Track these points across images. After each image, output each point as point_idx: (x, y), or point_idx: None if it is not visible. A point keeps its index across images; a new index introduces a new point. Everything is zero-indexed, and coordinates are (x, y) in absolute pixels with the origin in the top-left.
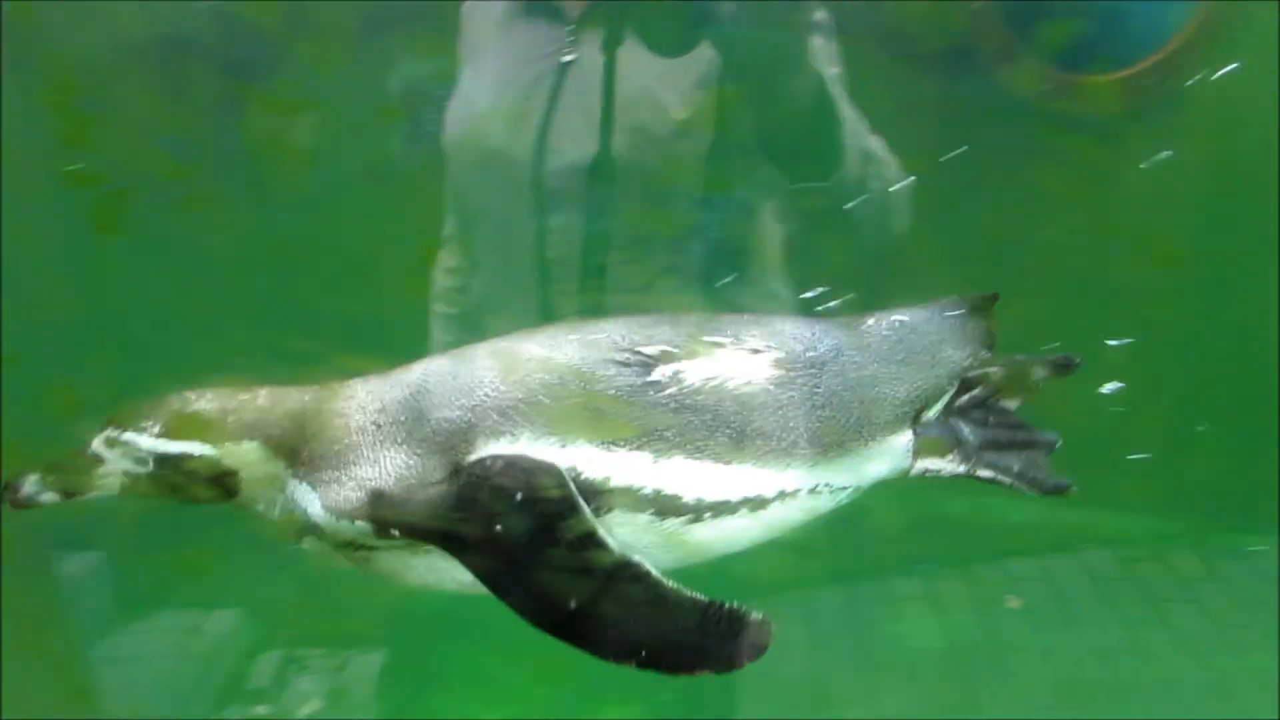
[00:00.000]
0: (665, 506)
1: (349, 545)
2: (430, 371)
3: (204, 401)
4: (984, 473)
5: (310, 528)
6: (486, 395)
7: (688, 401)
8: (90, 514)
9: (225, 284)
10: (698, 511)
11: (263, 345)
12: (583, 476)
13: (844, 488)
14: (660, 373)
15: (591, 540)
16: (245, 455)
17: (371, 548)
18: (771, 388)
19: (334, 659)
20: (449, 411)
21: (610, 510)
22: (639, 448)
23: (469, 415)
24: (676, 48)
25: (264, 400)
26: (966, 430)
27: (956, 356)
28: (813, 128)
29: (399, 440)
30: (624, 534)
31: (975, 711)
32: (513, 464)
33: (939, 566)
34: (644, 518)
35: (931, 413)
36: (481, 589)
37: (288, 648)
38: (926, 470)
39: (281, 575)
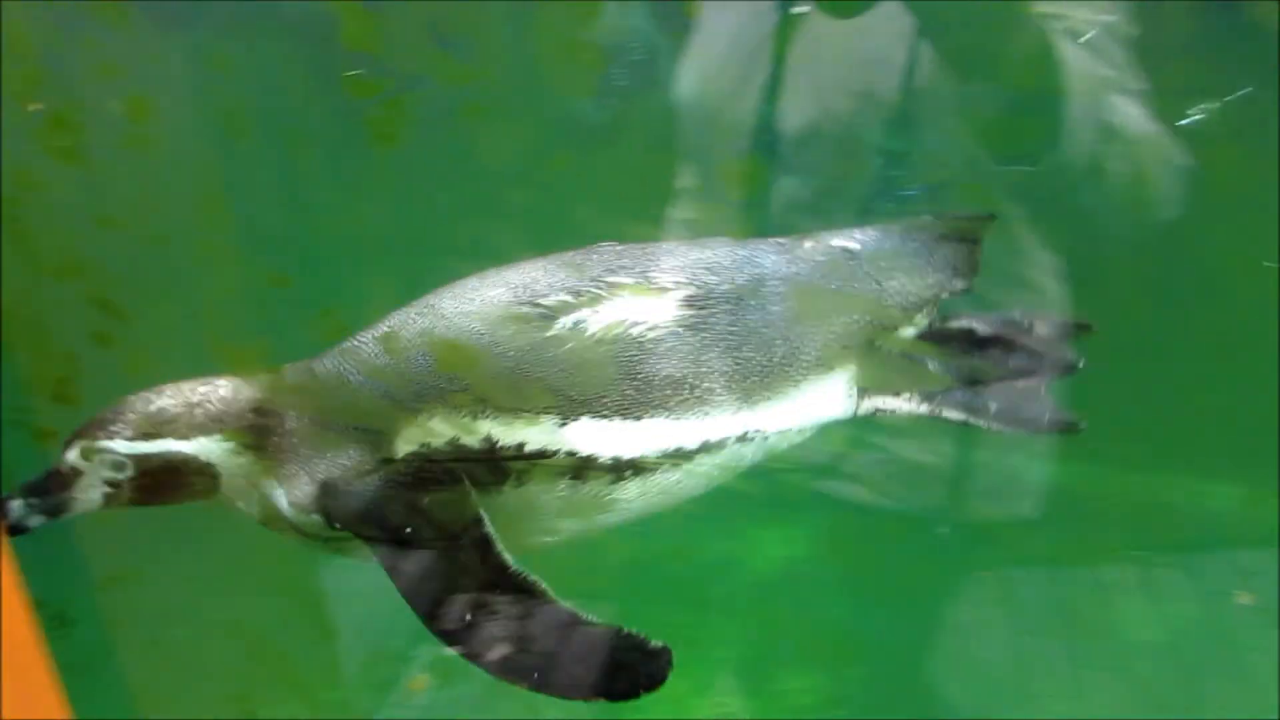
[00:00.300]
0: (581, 470)
1: (318, 538)
2: (356, 349)
3: (166, 398)
4: (951, 414)
5: (286, 522)
6: (400, 376)
7: (589, 355)
8: None
9: (491, 203)
10: (617, 471)
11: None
12: (499, 446)
13: (780, 431)
14: (559, 325)
15: (490, 555)
16: (217, 450)
17: (338, 539)
18: (680, 330)
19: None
20: (372, 397)
21: (530, 479)
22: (545, 410)
23: (389, 399)
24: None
25: (225, 391)
26: (930, 366)
27: (914, 287)
28: (1029, 102)
29: (333, 429)
30: (548, 503)
31: (1198, 713)
32: (420, 475)
33: (1156, 554)
34: (563, 484)
35: (890, 344)
36: None
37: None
38: (877, 410)
39: None
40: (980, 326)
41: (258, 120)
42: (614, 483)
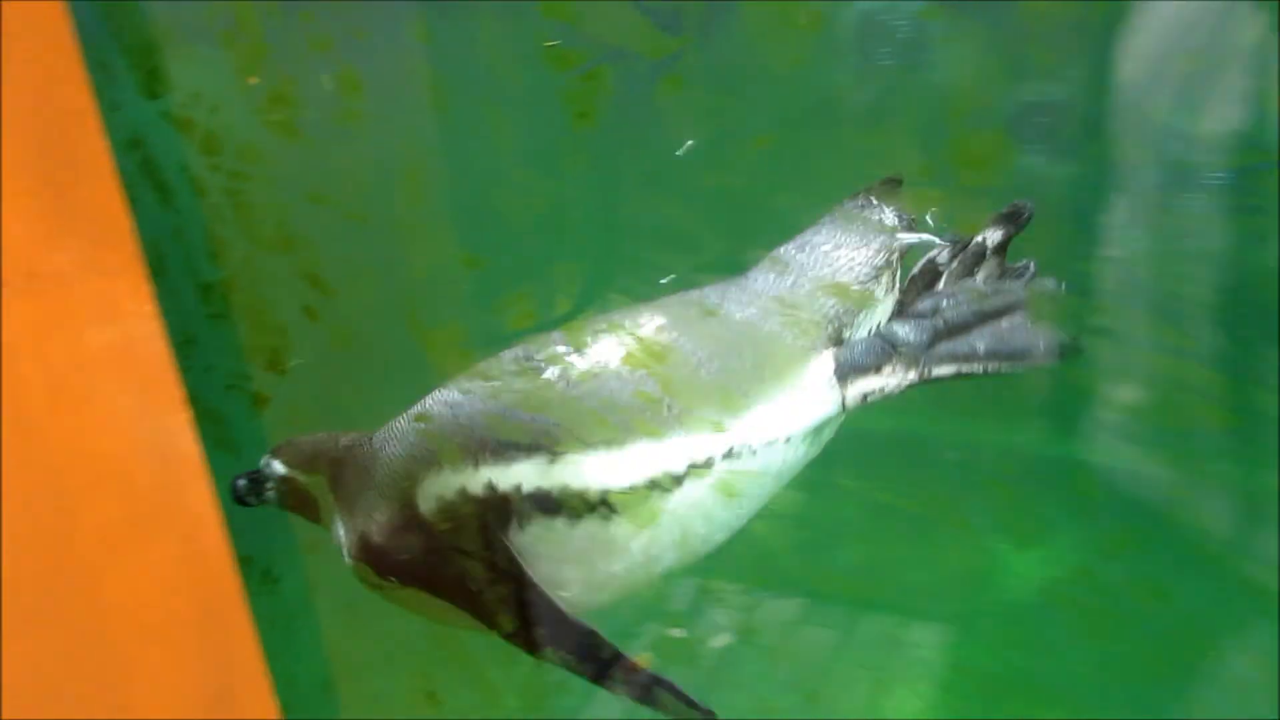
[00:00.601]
0: (574, 505)
1: (368, 583)
2: (392, 424)
3: (318, 438)
4: (941, 370)
5: (351, 564)
6: (420, 436)
7: (573, 393)
8: None
9: (689, 184)
10: (608, 505)
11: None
12: (499, 491)
13: (768, 443)
14: (550, 374)
15: (523, 582)
16: (313, 485)
17: (386, 588)
18: (650, 359)
19: (749, 598)
20: (398, 457)
21: (531, 520)
22: (535, 450)
23: (410, 459)
24: None
25: (336, 438)
26: (904, 331)
27: (861, 256)
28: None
29: (371, 485)
30: (549, 548)
31: None
32: (445, 524)
33: None
34: (560, 522)
35: (868, 321)
36: None
37: (706, 578)
38: (867, 395)
39: None
40: (942, 259)
41: (460, 95)
42: (605, 519)
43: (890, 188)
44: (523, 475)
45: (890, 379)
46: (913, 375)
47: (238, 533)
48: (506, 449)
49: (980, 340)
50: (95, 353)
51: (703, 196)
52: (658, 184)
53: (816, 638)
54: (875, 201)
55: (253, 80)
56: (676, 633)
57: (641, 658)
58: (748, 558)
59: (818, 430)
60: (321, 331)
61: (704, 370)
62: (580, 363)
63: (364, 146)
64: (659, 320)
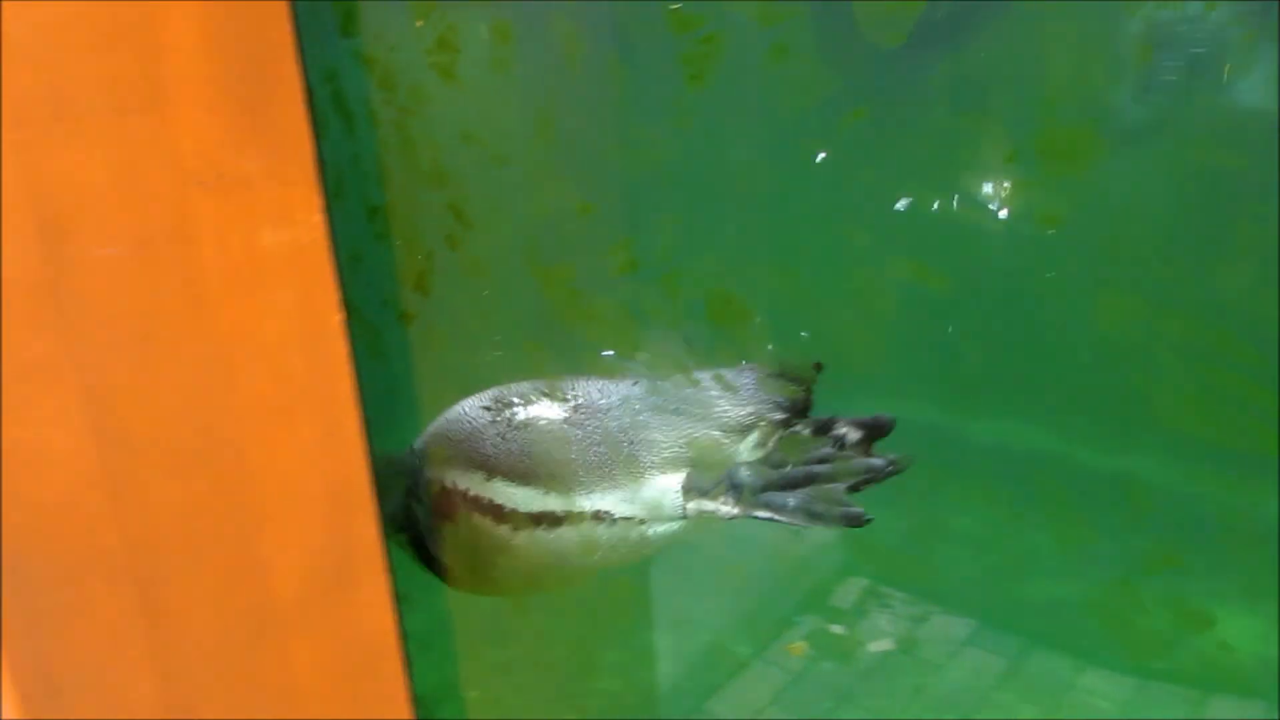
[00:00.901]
0: (497, 514)
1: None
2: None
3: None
4: (760, 513)
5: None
6: (427, 436)
7: (508, 435)
8: None
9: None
10: (514, 521)
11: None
12: (469, 493)
13: (626, 519)
14: (497, 415)
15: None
16: None
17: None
18: (565, 425)
19: (917, 609)
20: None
21: (471, 515)
22: (477, 468)
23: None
24: None
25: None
26: (744, 474)
27: (734, 414)
28: None
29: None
30: (483, 541)
31: None
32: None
33: None
34: (487, 521)
35: (714, 458)
36: None
37: (876, 582)
38: (701, 511)
39: (889, 513)
40: (805, 433)
41: (593, 52)
42: (514, 531)
43: (803, 371)
44: (470, 483)
45: (722, 507)
46: (737, 510)
47: (372, 434)
48: (461, 466)
49: (793, 499)
50: (267, 250)
51: (799, 162)
52: (758, 146)
53: (981, 662)
54: (777, 375)
55: (419, 23)
56: (836, 629)
57: (794, 646)
58: (922, 570)
59: (667, 523)
60: (457, 260)
61: (592, 450)
62: (519, 413)
63: (511, 93)
64: (585, 395)
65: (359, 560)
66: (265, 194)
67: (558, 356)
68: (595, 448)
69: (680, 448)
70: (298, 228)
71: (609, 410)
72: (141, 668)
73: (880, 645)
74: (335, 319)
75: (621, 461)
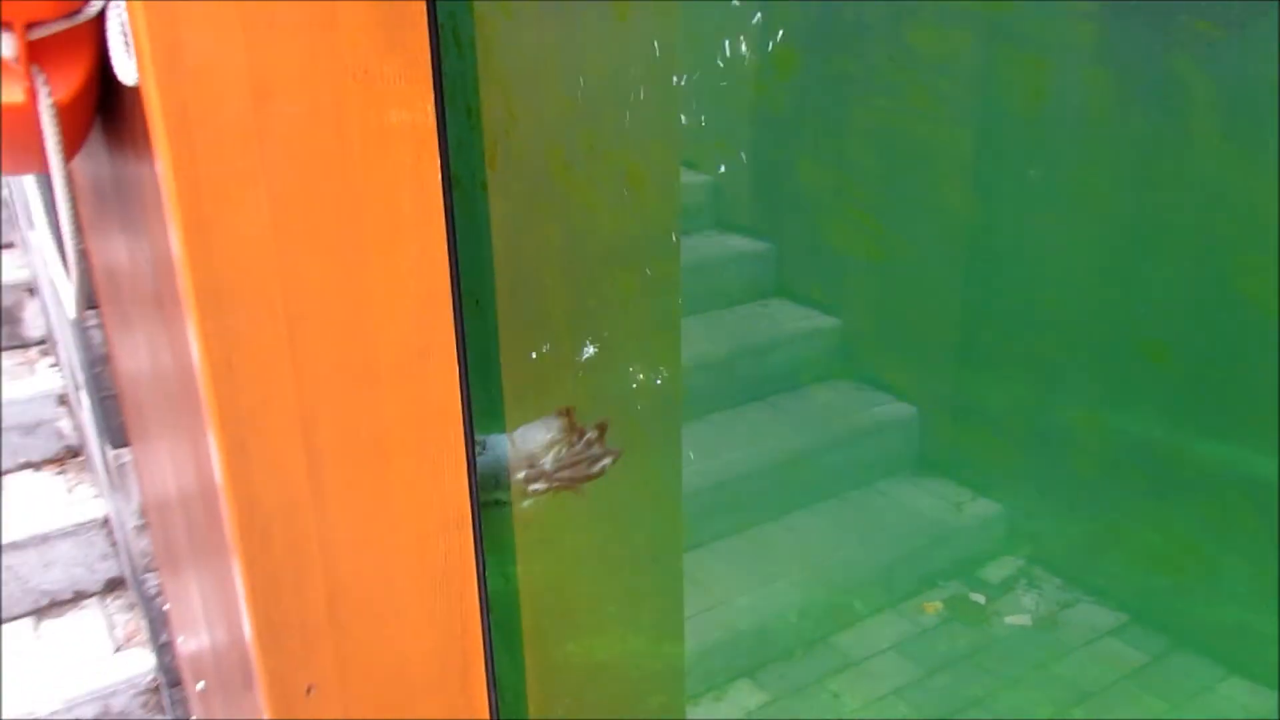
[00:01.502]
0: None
1: None
2: None
3: None
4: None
5: None
6: None
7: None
8: None
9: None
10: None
11: None
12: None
13: None
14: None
15: None
16: None
17: None
18: None
19: (1067, 594)
20: None
21: None
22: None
23: None
24: None
25: None
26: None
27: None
28: None
29: None
30: None
31: None
32: None
33: None
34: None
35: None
36: None
37: (1031, 562)
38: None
39: (1063, 504)
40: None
41: None
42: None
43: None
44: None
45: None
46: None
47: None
48: None
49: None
50: (394, 126)
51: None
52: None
53: (1120, 654)
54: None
55: None
56: (976, 598)
57: (929, 605)
58: (1072, 557)
59: None
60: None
61: None
62: None
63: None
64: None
65: (446, 467)
66: (396, 88)
67: None
68: None
69: None
70: (416, 113)
71: None
72: None
73: (1016, 619)
74: (436, 178)
75: None
